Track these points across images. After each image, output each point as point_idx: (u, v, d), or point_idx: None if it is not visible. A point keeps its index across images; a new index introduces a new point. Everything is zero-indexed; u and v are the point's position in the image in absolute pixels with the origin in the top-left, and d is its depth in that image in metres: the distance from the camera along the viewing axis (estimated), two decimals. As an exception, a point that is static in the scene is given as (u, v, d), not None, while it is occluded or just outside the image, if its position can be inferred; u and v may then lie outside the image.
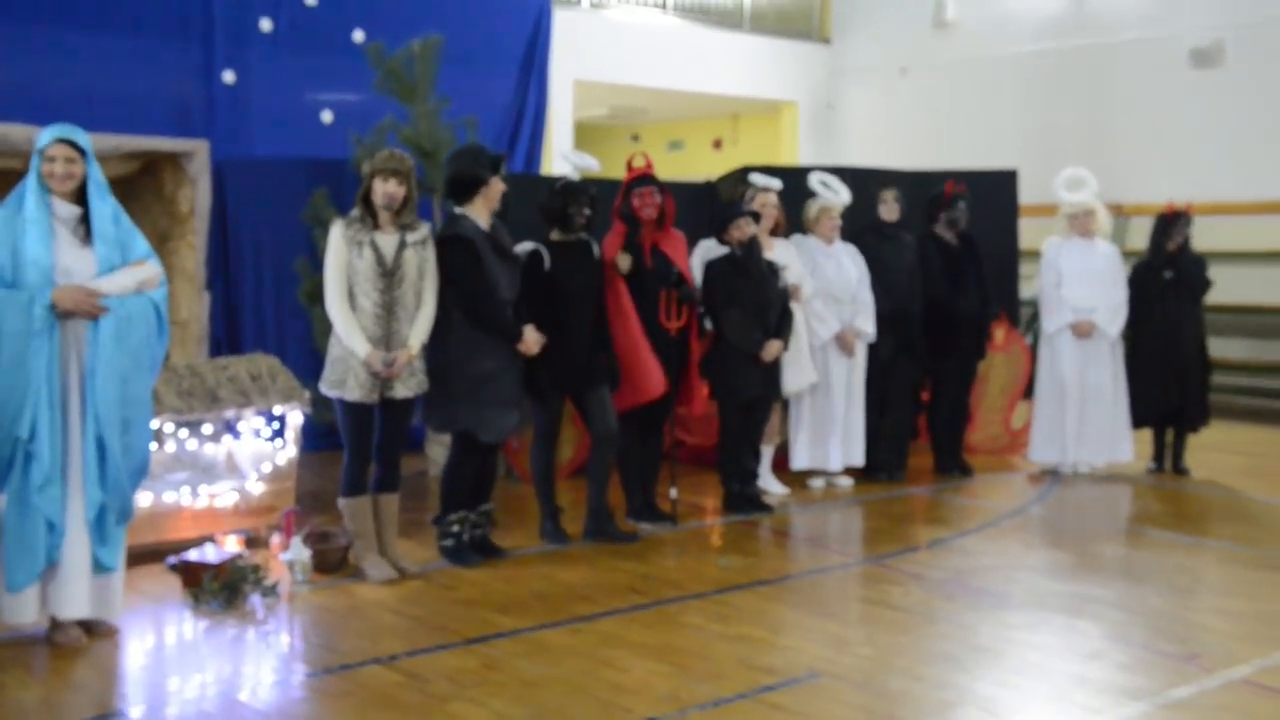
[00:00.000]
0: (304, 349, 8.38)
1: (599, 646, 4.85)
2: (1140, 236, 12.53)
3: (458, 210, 5.93)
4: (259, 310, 8.92)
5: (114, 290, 4.74)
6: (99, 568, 4.83)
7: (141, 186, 9.66)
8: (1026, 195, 10.05)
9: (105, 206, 4.81)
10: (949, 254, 8.23)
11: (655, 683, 4.47)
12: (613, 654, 4.77)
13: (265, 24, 9.46)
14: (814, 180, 7.92)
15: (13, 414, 4.59)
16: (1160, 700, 4.38)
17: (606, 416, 6.38)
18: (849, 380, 7.83)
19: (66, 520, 4.73)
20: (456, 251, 5.77)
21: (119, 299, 4.73)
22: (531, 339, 5.89)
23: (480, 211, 5.88)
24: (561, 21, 11.81)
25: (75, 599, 4.80)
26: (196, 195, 9.07)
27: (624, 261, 6.49)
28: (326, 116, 9.58)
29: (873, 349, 7.94)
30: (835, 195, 7.86)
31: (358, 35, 9.43)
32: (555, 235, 6.36)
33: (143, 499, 5.79)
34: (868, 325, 7.81)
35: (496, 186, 5.85)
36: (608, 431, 6.40)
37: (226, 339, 8.80)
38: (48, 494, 4.65)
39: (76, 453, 4.75)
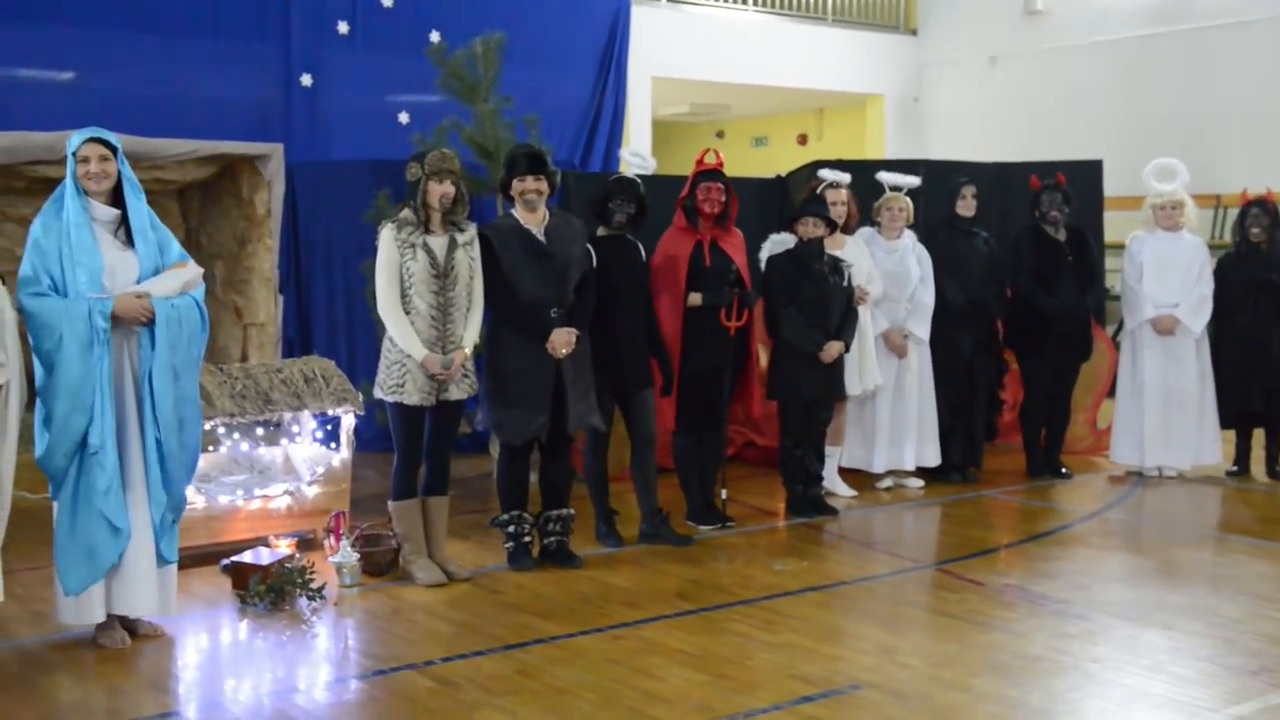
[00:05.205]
0: (374, 350, 8.39)
1: (637, 654, 4.77)
2: (1239, 229, 12.14)
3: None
4: (331, 312, 8.97)
5: (163, 292, 4.76)
6: (161, 561, 4.88)
7: (220, 190, 9.82)
8: (1117, 186, 9.73)
9: (142, 204, 4.84)
10: (1046, 248, 7.89)
11: (689, 692, 4.37)
12: (651, 662, 4.68)
13: (342, 26, 9.55)
14: (880, 177, 7.75)
15: (80, 424, 4.62)
16: (1219, 718, 4.17)
17: (645, 420, 6.30)
18: (899, 380, 7.58)
19: (130, 523, 4.76)
20: (482, 247, 5.74)
21: (169, 301, 4.76)
22: (559, 340, 5.75)
23: (520, 210, 5.85)
24: (640, 17, 11.75)
25: (141, 597, 4.85)
26: (272, 198, 9.20)
27: (695, 299, 6.46)
28: (403, 118, 9.63)
29: (954, 346, 7.71)
30: (892, 184, 7.68)
31: (434, 36, 9.46)
32: (600, 231, 6.27)
33: (198, 501, 5.85)
34: (920, 328, 7.55)
35: (517, 186, 5.79)
36: (645, 436, 6.32)
37: (299, 340, 8.88)
38: (112, 499, 4.68)
39: (136, 457, 4.78)
